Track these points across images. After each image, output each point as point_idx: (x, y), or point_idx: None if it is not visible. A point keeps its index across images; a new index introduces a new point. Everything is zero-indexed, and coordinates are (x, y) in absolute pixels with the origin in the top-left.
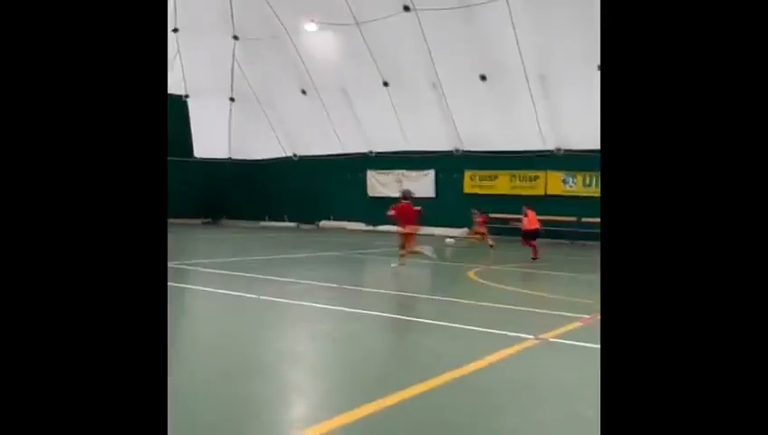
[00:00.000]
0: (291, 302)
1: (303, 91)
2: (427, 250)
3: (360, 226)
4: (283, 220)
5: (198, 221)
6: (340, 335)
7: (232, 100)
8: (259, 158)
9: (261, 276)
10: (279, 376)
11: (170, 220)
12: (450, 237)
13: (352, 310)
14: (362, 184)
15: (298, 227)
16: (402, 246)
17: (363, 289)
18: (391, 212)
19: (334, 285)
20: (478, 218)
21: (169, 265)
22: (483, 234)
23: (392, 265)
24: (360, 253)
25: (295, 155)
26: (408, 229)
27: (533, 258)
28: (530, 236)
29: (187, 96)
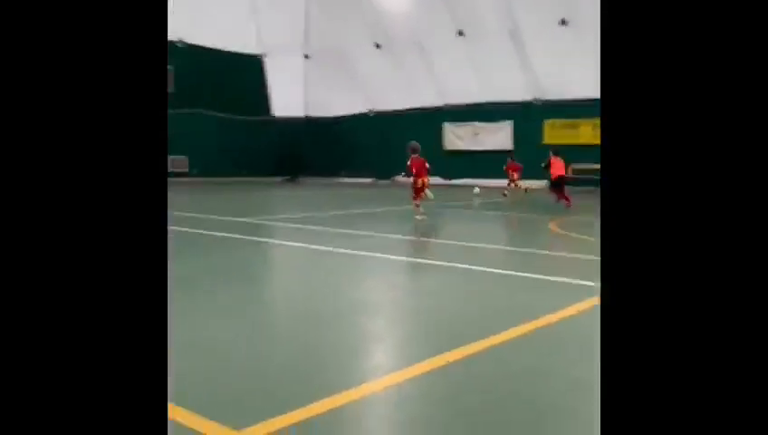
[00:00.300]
0: (367, 254)
1: (377, 45)
2: (429, 193)
3: (437, 180)
4: (360, 176)
5: (277, 179)
6: (414, 286)
7: (307, 57)
8: (335, 114)
9: (337, 230)
10: (354, 325)
11: (250, 179)
12: (478, 187)
13: (428, 261)
14: (438, 138)
15: (374, 182)
16: (414, 198)
17: (439, 241)
18: (411, 166)
19: (410, 238)
20: (512, 166)
21: (250, 220)
22: (515, 181)
23: (416, 217)
24: (436, 207)
25: (371, 110)
26: (421, 181)
27: (567, 206)
28: (556, 184)
29: (263, 55)
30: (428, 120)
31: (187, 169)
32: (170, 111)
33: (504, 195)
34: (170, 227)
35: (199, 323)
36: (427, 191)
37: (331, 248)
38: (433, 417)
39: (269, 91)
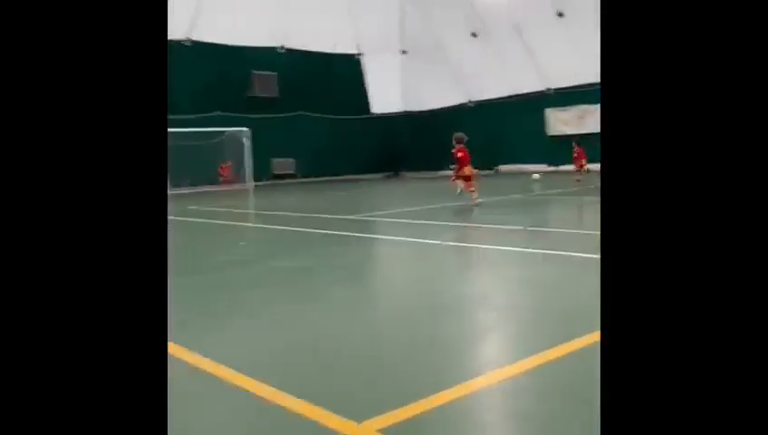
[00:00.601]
0: (475, 246)
1: (474, 35)
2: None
3: (542, 167)
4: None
5: (380, 176)
6: (526, 277)
7: (404, 52)
8: (433, 108)
9: (444, 223)
10: (467, 318)
11: (354, 177)
12: (537, 172)
13: (538, 251)
14: (540, 123)
15: (477, 173)
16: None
17: (548, 230)
18: (459, 154)
19: (518, 228)
20: (577, 150)
21: (357, 217)
22: (582, 165)
23: (475, 202)
24: (540, 195)
25: (470, 101)
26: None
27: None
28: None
29: (360, 54)
30: (530, 107)
31: (294, 171)
32: (276, 116)
33: (578, 181)
34: (281, 227)
35: (313, 318)
36: (458, 182)
37: (439, 242)
38: (550, 410)
39: (368, 89)
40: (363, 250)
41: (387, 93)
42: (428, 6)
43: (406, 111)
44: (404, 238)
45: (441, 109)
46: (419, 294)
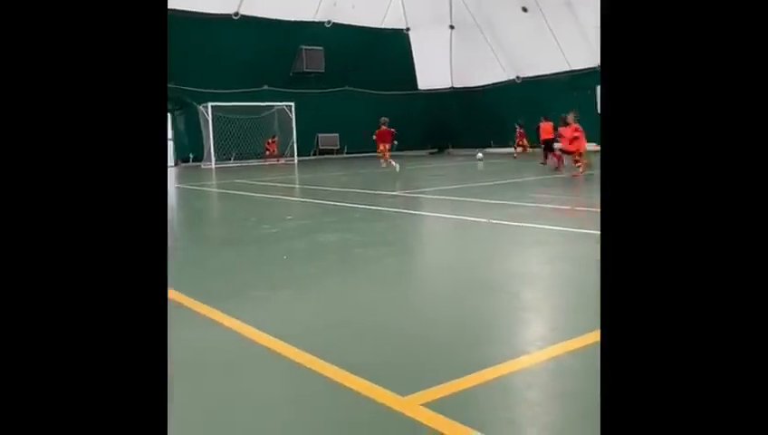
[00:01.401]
0: (521, 224)
1: (524, 9)
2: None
3: (591, 146)
4: (508, 146)
5: (425, 152)
6: (572, 256)
7: (452, 27)
8: (481, 84)
9: (490, 201)
10: (513, 296)
11: (399, 153)
12: (480, 153)
13: (586, 231)
14: (591, 101)
15: (524, 150)
16: (575, 160)
17: (596, 210)
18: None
19: (566, 207)
20: (519, 131)
21: (403, 193)
22: (524, 146)
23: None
24: (588, 174)
25: (518, 77)
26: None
27: (556, 168)
28: (546, 146)
29: (408, 29)
30: (580, 84)
31: (337, 146)
32: (321, 91)
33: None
34: (326, 202)
35: (360, 292)
36: (391, 162)
37: (484, 220)
38: (596, 390)
39: (415, 64)
40: (409, 226)
41: (434, 69)
42: None
43: (453, 88)
44: (449, 215)
45: (488, 85)
46: (466, 270)
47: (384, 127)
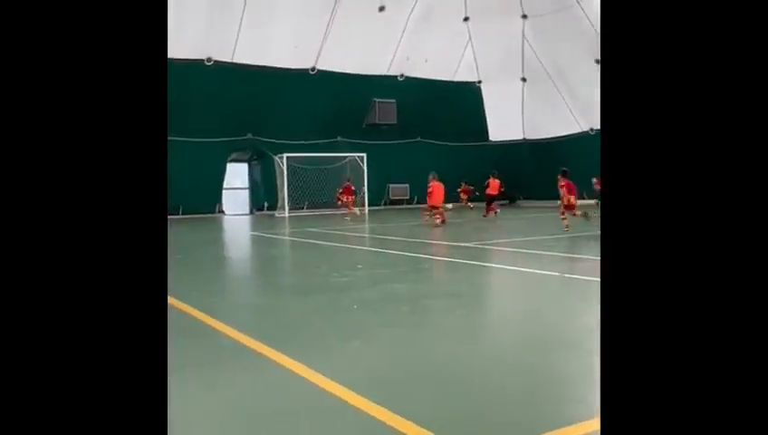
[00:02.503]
0: (594, 279)
1: (598, 61)
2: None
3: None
4: (582, 198)
5: (496, 203)
6: None
7: (524, 80)
8: (554, 135)
9: (562, 254)
10: (587, 353)
11: (470, 204)
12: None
13: None
14: None
15: (597, 204)
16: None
17: None
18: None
19: None
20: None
21: (474, 245)
22: (465, 201)
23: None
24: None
25: (592, 129)
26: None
27: (484, 216)
28: (491, 200)
29: (479, 82)
30: None
31: (407, 196)
32: (393, 142)
33: (471, 208)
34: (396, 252)
35: (431, 345)
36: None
37: (557, 273)
38: None
39: (486, 116)
40: (477, 278)
41: (505, 120)
42: (550, 33)
43: (525, 139)
44: (518, 268)
45: (561, 137)
46: (534, 324)
47: (348, 183)
